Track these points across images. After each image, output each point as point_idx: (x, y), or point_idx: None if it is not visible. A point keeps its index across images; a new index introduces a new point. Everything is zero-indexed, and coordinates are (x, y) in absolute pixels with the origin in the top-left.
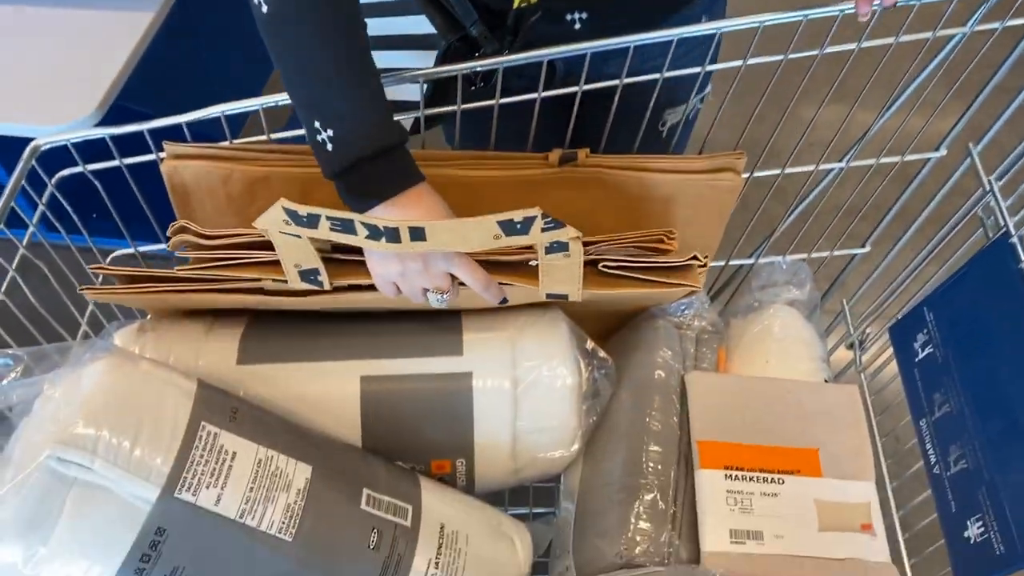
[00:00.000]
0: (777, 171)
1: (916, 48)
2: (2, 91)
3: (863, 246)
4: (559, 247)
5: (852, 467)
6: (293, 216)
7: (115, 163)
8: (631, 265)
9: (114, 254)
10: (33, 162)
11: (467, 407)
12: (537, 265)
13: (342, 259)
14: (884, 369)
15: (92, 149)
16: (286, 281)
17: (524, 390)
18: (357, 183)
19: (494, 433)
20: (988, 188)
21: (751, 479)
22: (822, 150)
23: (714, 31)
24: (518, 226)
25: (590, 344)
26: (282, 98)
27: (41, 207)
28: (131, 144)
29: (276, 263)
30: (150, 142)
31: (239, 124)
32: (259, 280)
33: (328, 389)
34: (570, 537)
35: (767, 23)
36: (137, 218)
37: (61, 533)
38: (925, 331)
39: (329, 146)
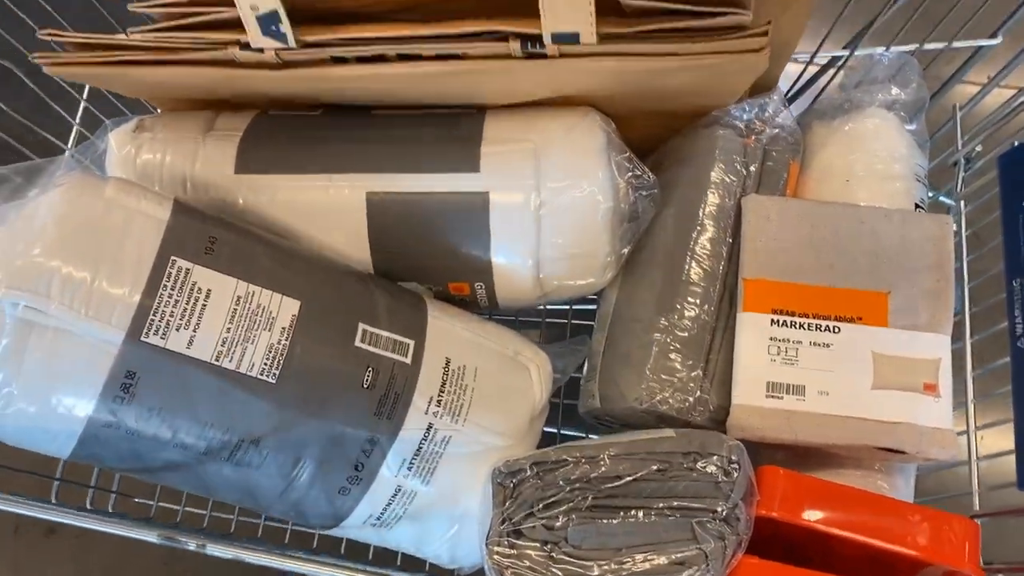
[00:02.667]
0: None
1: None
2: None
3: (993, 36)
4: None
5: (926, 316)
6: None
7: None
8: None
9: None
10: None
11: (484, 230)
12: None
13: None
14: (988, 197)
15: None
16: (253, 48)
17: (550, 212)
18: None
19: (515, 259)
20: None
21: (801, 326)
22: None
23: None
24: None
25: (631, 157)
26: None
27: None
28: None
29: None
30: None
31: None
32: (223, 47)
33: (332, 204)
34: (599, 365)
35: None
36: None
37: (29, 373)
38: None
39: None
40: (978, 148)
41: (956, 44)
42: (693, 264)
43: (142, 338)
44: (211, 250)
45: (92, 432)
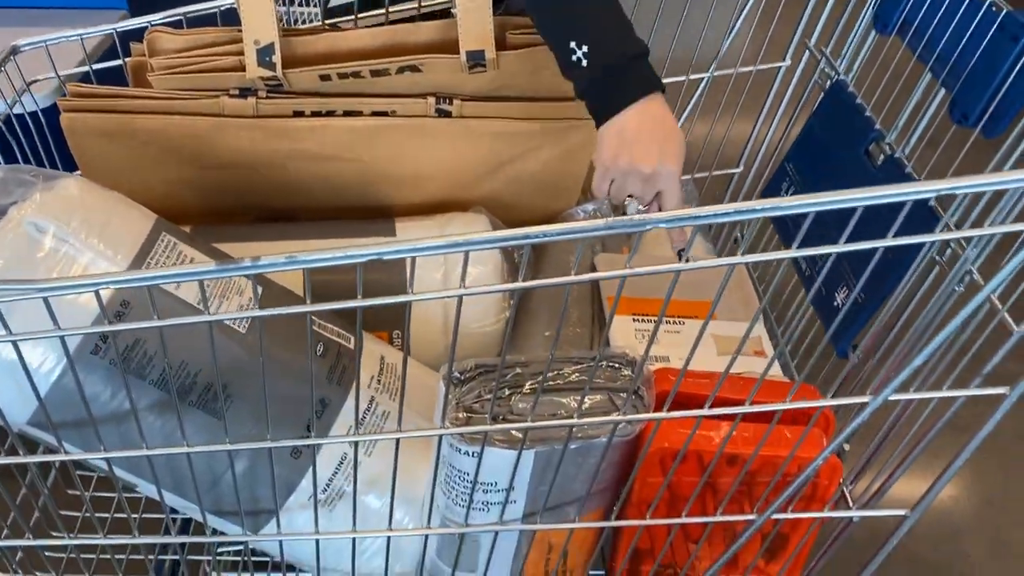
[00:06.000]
0: None
1: None
2: None
3: (737, 166)
4: None
5: (742, 313)
6: None
7: (84, 68)
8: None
9: None
10: (13, 58)
11: (402, 283)
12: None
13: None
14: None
15: None
16: (244, 94)
17: (453, 267)
18: (608, 91)
19: (427, 307)
20: (820, 55)
21: (655, 321)
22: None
23: None
24: None
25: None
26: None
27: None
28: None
29: (237, 68)
30: (118, 47)
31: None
32: (216, 96)
33: None
34: None
35: None
36: None
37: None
38: (787, 179)
39: (584, 62)
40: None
41: (715, 173)
42: (569, 301)
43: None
44: (192, 241)
45: (81, 356)
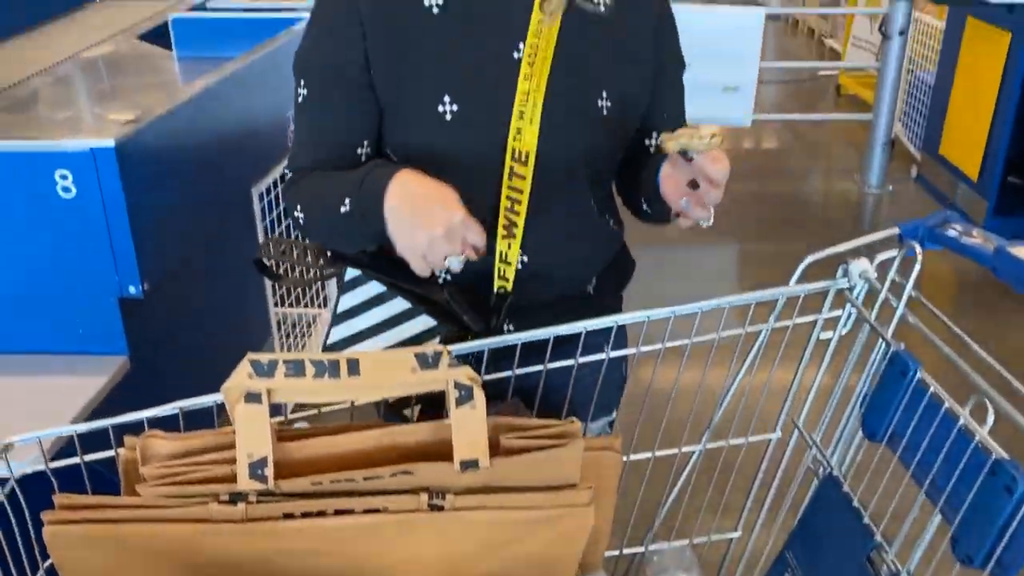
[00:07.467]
0: (648, 454)
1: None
2: None
3: (736, 530)
4: (466, 395)
5: None
6: (257, 367)
7: (76, 460)
8: (529, 440)
9: None
10: (5, 456)
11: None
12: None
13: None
14: None
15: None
16: (235, 500)
17: None
18: (368, 200)
19: None
20: (811, 443)
21: None
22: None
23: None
24: (430, 359)
25: None
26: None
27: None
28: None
29: (229, 478)
30: (112, 439)
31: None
32: (205, 502)
33: None
34: None
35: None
36: None
37: None
38: (789, 570)
39: (349, 206)
40: None
41: (713, 537)
42: None
43: None
44: None
45: None
